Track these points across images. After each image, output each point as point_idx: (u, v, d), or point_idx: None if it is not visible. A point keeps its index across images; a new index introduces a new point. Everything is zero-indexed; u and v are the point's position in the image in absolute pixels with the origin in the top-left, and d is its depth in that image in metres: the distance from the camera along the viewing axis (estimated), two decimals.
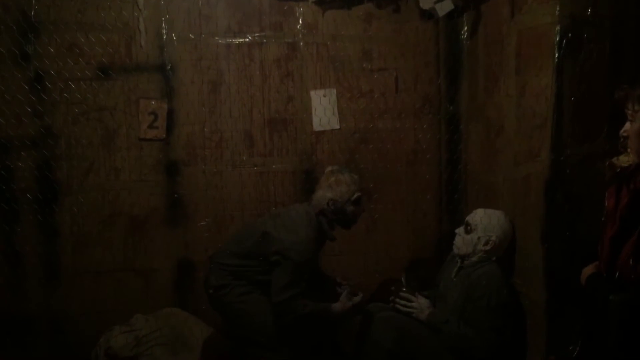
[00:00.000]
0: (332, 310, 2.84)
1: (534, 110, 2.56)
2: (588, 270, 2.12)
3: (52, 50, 3.23)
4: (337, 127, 3.48)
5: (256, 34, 3.40)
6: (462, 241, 2.78)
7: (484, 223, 2.74)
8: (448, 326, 2.63)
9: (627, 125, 1.93)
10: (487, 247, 2.71)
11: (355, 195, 2.88)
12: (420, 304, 2.76)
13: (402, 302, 2.79)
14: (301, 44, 3.43)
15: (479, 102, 3.28)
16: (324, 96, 3.45)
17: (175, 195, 3.41)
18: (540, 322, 2.54)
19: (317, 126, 3.46)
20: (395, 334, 2.63)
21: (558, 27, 2.35)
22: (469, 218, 2.81)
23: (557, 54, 2.36)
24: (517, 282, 2.75)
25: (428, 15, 3.42)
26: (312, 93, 3.45)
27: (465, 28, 3.41)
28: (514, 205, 2.80)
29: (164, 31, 3.33)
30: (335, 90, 3.46)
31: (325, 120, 3.45)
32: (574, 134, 2.39)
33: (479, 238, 2.73)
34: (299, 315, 2.73)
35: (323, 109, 3.44)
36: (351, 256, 3.56)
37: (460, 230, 2.83)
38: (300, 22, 3.41)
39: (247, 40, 3.40)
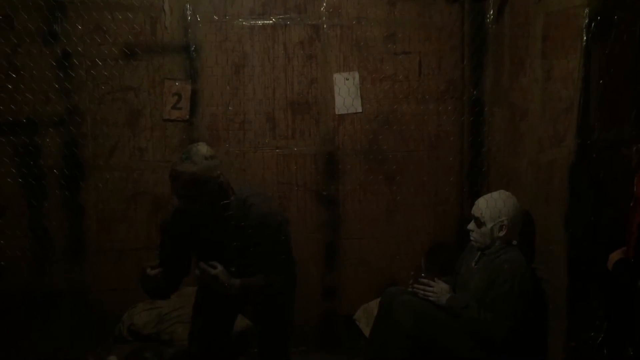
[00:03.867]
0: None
1: (560, 95, 2.53)
2: (615, 255, 2.11)
3: (79, 28, 3.26)
4: (360, 110, 3.47)
5: (280, 16, 3.40)
6: (478, 235, 2.77)
7: (491, 210, 2.72)
8: (468, 311, 2.61)
9: None
10: (503, 232, 2.70)
11: None
12: (440, 289, 2.73)
13: (421, 287, 2.77)
14: (325, 26, 3.42)
15: (503, 86, 3.24)
16: (347, 79, 3.44)
17: None
18: (561, 307, 2.53)
19: (339, 109, 3.46)
20: (414, 317, 2.62)
21: (587, 10, 2.31)
22: (474, 211, 2.79)
23: (585, 37, 2.32)
24: (539, 267, 2.73)
25: None
26: (336, 76, 3.44)
27: (492, 11, 3.36)
28: (538, 190, 2.78)
29: (188, 12, 3.34)
30: (358, 73, 3.45)
31: (349, 103, 3.44)
32: (600, 119, 2.35)
33: (491, 228, 2.71)
34: None
35: (346, 92, 3.43)
36: (372, 240, 3.56)
37: (472, 225, 2.80)
38: (324, 4, 3.39)
39: (270, 22, 3.40)
